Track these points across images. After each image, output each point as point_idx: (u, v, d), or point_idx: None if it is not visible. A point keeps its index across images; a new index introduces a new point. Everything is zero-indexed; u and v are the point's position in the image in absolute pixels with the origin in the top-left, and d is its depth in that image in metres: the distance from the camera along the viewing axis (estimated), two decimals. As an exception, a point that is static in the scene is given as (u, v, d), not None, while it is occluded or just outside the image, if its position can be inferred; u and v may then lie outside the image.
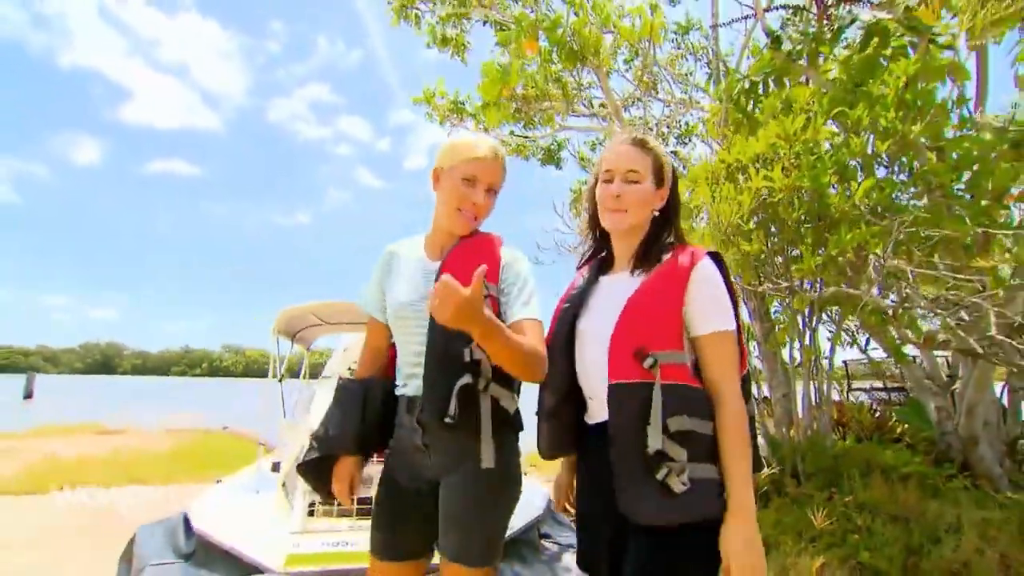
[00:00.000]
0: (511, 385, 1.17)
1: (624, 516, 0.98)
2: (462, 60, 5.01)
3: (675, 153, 6.81)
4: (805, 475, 2.89)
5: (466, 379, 1.09)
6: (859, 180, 2.65)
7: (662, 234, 1.15)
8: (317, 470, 1.27)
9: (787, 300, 2.67)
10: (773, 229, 2.53)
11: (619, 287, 1.11)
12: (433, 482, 1.19)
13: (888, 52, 3.14)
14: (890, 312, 2.17)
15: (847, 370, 7.17)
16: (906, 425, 3.63)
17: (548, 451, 1.21)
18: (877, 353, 4.52)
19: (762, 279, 2.72)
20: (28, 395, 24.32)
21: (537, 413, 1.19)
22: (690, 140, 7.17)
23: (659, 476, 0.93)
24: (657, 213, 1.16)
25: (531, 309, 1.19)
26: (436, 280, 1.09)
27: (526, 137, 4.69)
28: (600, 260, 1.24)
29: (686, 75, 6.53)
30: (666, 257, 1.09)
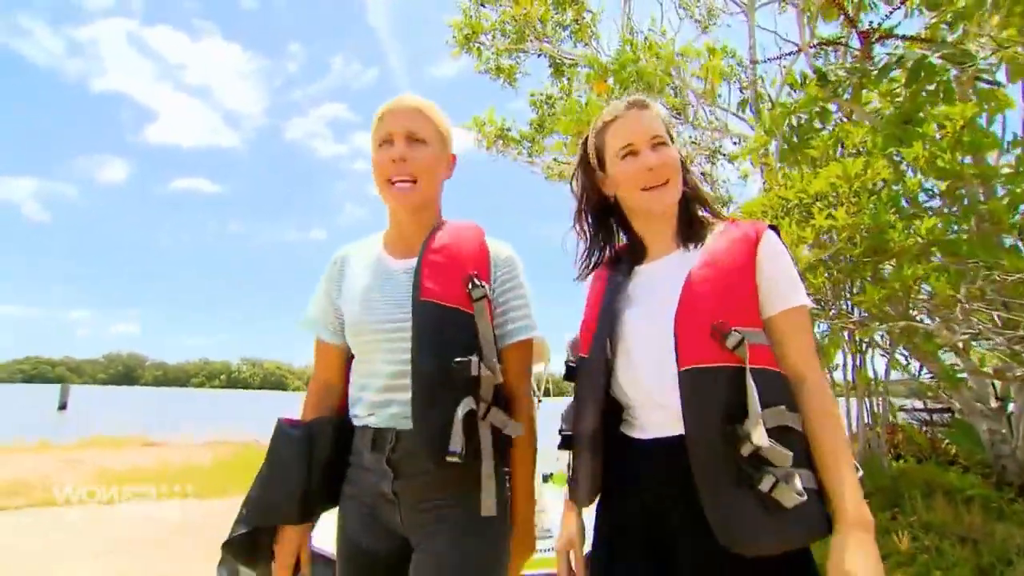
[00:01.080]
0: (509, 408, 0.98)
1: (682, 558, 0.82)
2: (513, 87, 5.29)
3: (705, 175, 6.96)
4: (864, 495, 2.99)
5: (469, 403, 0.89)
6: (910, 215, 2.80)
7: (693, 197, 1.02)
8: (251, 548, 0.96)
9: (850, 330, 2.81)
10: (832, 265, 2.69)
11: (669, 268, 0.96)
12: (404, 542, 0.95)
13: (932, 87, 3.30)
14: (961, 345, 2.31)
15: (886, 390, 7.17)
16: (956, 447, 3.70)
17: (591, 494, 0.95)
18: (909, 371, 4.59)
19: (826, 310, 2.87)
20: (63, 406, 25.06)
21: (572, 446, 0.97)
22: (717, 160, 7.33)
23: (763, 487, 0.73)
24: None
25: (531, 322, 1.04)
26: (414, 281, 0.96)
27: (567, 162, 4.91)
28: (624, 254, 1.07)
29: (717, 98, 6.70)
30: (718, 230, 0.96)
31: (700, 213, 1.02)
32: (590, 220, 1.10)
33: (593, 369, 0.95)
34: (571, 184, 1.12)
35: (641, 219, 1.04)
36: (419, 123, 1.04)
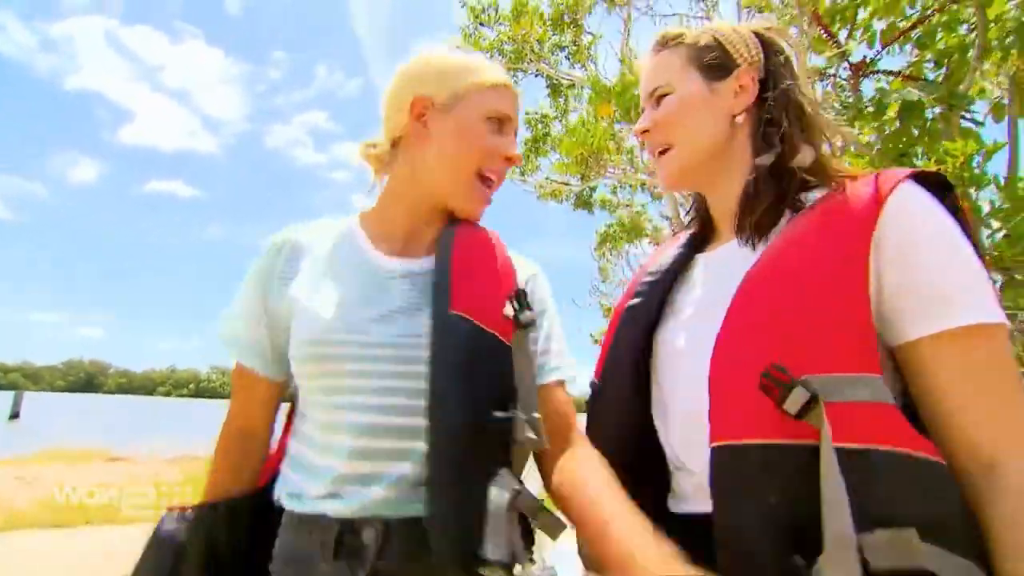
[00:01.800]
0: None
1: None
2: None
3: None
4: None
5: (508, 481, 0.61)
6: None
7: (780, 163, 0.64)
8: None
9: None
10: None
11: (726, 266, 0.64)
12: None
13: (920, 123, 3.41)
14: None
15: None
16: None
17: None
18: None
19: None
20: (15, 415, 23.78)
21: None
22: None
23: None
24: (744, 121, 0.67)
25: (568, 361, 0.78)
26: (438, 284, 0.69)
27: (565, 184, 4.92)
28: (693, 234, 0.78)
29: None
30: (815, 197, 0.60)
31: (795, 172, 0.63)
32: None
33: (604, 404, 0.70)
34: None
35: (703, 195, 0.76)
36: (517, 118, 0.81)
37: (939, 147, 2.83)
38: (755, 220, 0.63)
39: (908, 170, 0.55)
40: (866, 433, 0.47)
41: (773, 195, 0.63)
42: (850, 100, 3.93)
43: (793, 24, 4.66)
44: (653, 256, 0.79)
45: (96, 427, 20.66)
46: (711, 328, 0.58)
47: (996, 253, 2.71)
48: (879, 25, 4.39)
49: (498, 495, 0.60)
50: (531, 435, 0.64)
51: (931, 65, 4.14)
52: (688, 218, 0.82)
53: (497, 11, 4.64)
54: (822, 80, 4.90)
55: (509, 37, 4.60)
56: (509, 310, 0.70)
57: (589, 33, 4.72)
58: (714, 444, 0.53)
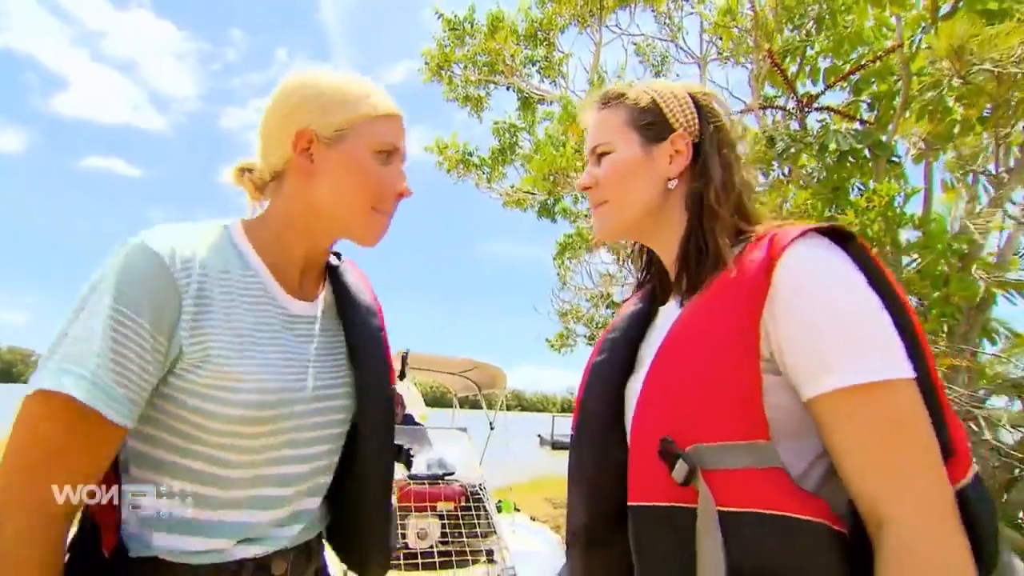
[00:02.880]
0: None
1: None
2: (478, 118, 5.37)
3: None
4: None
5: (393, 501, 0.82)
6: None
7: (708, 222, 0.67)
8: None
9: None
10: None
11: (663, 324, 0.70)
12: None
13: (854, 161, 3.78)
14: None
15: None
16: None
17: None
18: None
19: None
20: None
21: (568, 543, 0.73)
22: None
23: None
24: (677, 185, 0.70)
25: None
26: (370, 355, 0.77)
27: (531, 193, 5.05)
28: (653, 287, 0.82)
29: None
30: (735, 255, 0.62)
31: (698, 242, 0.68)
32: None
33: (581, 455, 0.72)
34: None
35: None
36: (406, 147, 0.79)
37: (868, 187, 3.17)
38: (686, 281, 0.67)
39: (804, 227, 0.58)
40: (744, 498, 0.51)
41: (697, 257, 0.67)
42: (797, 131, 4.28)
43: (749, 55, 4.98)
44: (620, 311, 0.82)
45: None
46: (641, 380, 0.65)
47: (909, 285, 3.07)
48: (824, 63, 4.81)
49: (390, 508, 0.79)
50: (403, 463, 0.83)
51: (866, 106, 4.60)
52: (643, 273, 0.86)
53: (472, 25, 4.70)
54: (773, 109, 5.28)
55: (483, 50, 4.67)
56: (397, 365, 0.87)
57: (560, 51, 4.86)
58: (630, 503, 0.61)
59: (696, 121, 0.73)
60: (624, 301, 0.86)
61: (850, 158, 3.67)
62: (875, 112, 4.40)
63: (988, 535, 0.50)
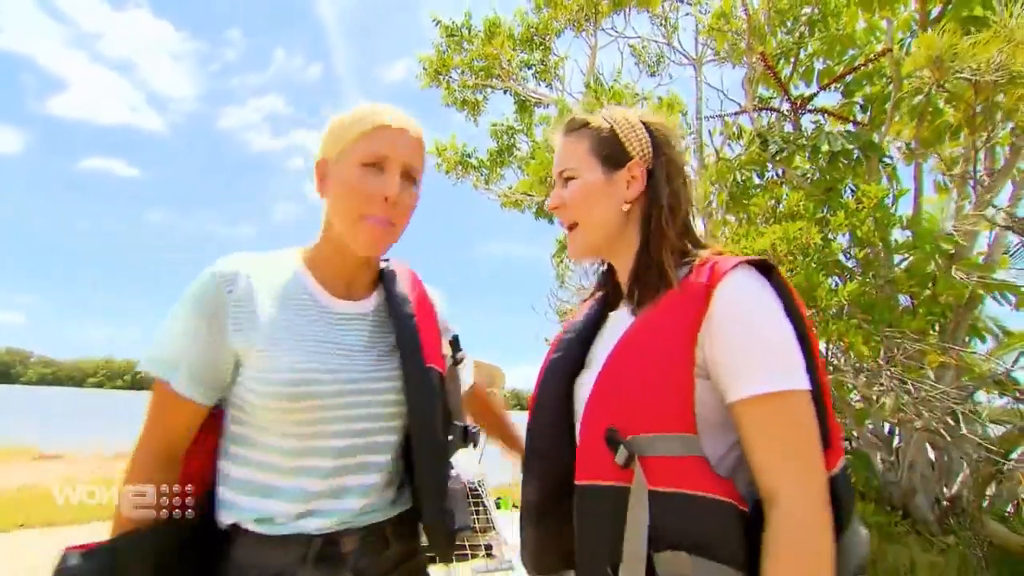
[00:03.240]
0: None
1: None
2: (475, 121, 5.43)
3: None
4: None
5: (457, 475, 0.86)
6: (834, 277, 3.24)
7: (656, 241, 0.77)
8: None
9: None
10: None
11: (614, 329, 0.80)
12: None
13: (847, 163, 3.85)
14: (875, 398, 2.71)
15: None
16: (855, 475, 4.23)
17: (537, 567, 0.84)
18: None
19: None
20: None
21: (521, 516, 0.83)
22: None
23: None
24: (630, 207, 0.80)
25: (471, 369, 0.99)
26: (408, 339, 0.83)
27: (529, 195, 5.11)
28: (605, 295, 0.91)
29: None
30: (681, 277, 0.73)
31: (648, 260, 0.77)
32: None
33: (535, 445, 0.82)
34: None
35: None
36: (418, 157, 0.84)
37: (859, 188, 3.23)
38: (637, 294, 0.78)
39: (737, 259, 0.69)
40: (671, 480, 0.63)
41: (646, 273, 0.77)
42: (790, 132, 4.35)
43: (743, 58, 5.05)
44: (574, 314, 0.92)
45: (17, 422, 18.97)
46: (592, 379, 0.75)
47: (897, 284, 3.14)
48: (818, 65, 4.86)
49: (454, 484, 0.83)
50: (461, 440, 0.86)
51: (859, 108, 4.66)
52: (597, 282, 0.95)
53: (470, 31, 4.75)
54: (767, 111, 5.34)
55: (480, 55, 4.72)
56: (446, 350, 0.91)
57: (556, 54, 4.91)
58: (576, 482, 0.71)
59: (650, 149, 0.82)
60: (580, 304, 0.96)
61: (842, 159, 3.75)
62: (868, 114, 4.48)
63: (847, 511, 0.65)
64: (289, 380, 0.74)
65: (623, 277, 0.84)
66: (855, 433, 4.62)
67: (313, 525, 0.74)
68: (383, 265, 0.94)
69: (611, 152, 0.81)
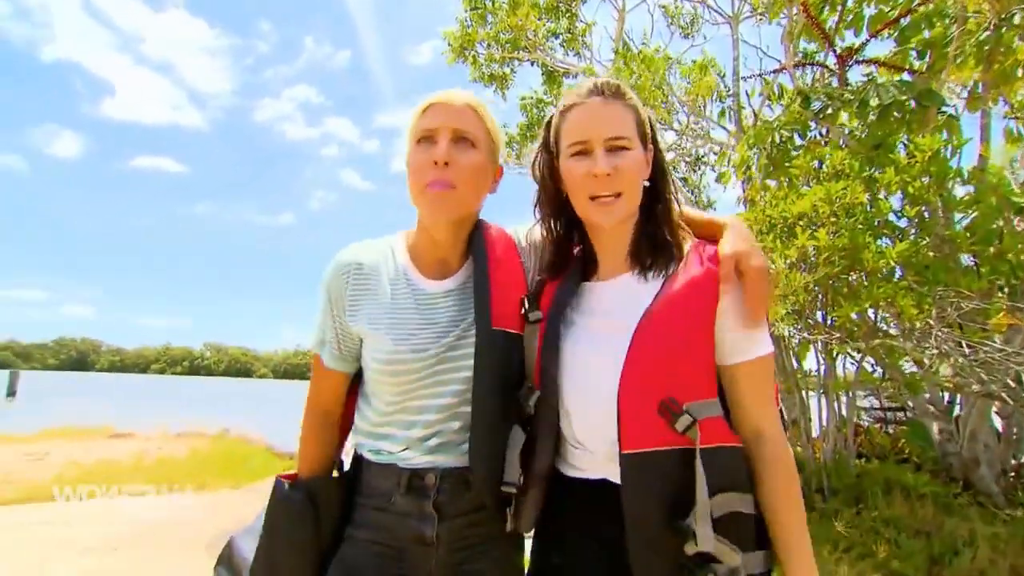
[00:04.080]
0: None
1: None
2: (503, 95, 5.36)
3: (685, 180, 7.22)
4: (830, 491, 3.27)
5: (519, 434, 0.88)
6: (882, 238, 3.05)
7: (660, 213, 0.89)
8: None
9: (826, 341, 3.04)
10: (813, 284, 2.91)
11: (616, 297, 0.87)
12: None
13: (900, 116, 3.57)
14: (927, 362, 2.58)
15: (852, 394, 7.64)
16: (911, 446, 4.05)
17: (533, 523, 0.89)
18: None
19: (804, 320, 3.10)
20: (12, 393, 23.80)
21: (526, 477, 0.86)
22: (700, 167, 7.59)
23: None
24: (647, 184, 0.88)
25: None
26: (480, 304, 0.89)
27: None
28: (576, 263, 0.95)
29: (700, 108, 6.95)
30: (687, 248, 0.86)
31: (664, 232, 0.88)
32: (551, 214, 0.96)
33: (549, 407, 0.86)
34: (532, 168, 0.96)
35: (591, 228, 0.92)
36: (469, 122, 0.91)
37: (908, 143, 3.01)
38: (649, 261, 0.87)
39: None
40: (715, 436, 0.76)
41: (652, 242, 0.89)
42: (835, 88, 4.07)
43: (783, 11, 4.73)
44: (554, 289, 0.95)
45: (94, 404, 20.81)
46: (613, 350, 0.80)
47: (957, 242, 2.92)
48: (869, 11, 4.47)
49: (513, 439, 0.88)
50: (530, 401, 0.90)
51: (915, 54, 4.27)
52: (562, 254, 0.98)
53: (493, 2, 4.66)
54: (810, 66, 5.00)
55: (505, 27, 4.63)
56: (522, 309, 0.94)
57: (583, 21, 4.76)
58: (625, 451, 0.77)
59: (651, 133, 0.92)
60: (543, 272, 0.99)
61: (895, 112, 3.47)
62: (925, 60, 4.09)
63: None
64: (385, 360, 0.90)
65: (611, 242, 0.91)
66: (910, 403, 4.41)
67: (406, 462, 0.90)
68: (478, 234, 0.99)
69: (643, 131, 0.88)
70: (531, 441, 0.87)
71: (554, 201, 0.94)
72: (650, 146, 0.89)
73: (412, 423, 0.91)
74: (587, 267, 0.95)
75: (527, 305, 0.93)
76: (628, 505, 0.75)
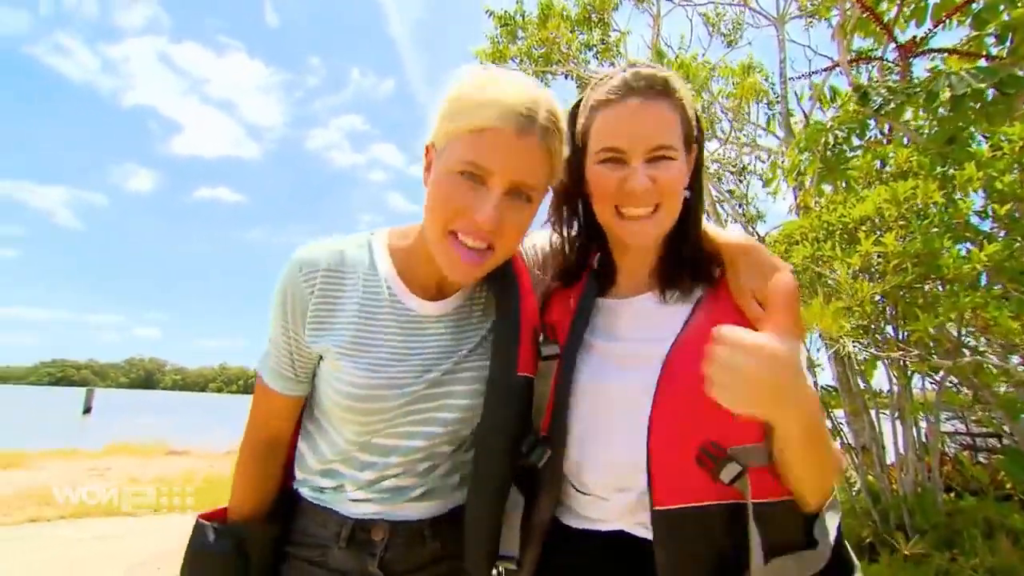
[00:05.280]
0: None
1: None
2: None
3: (731, 191, 6.87)
4: (914, 531, 2.86)
5: (517, 496, 0.75)
6: (964, 239, 2.70)
7: (697, 233, 0.77)
8: None
9: (900, 357, 2.71)
10: (879, 296, 2.61)
11: (645, 320, 0.75)
12: None
13: (977, 107, 3.20)
14: None
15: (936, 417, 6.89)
16: (1011, 479, 3.53)
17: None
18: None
19: (873, 335, 2.77)
20: (87, 410, 25.66)
21: (523, 537, 0.74)
22: (745, 179, 7.21)
23: None
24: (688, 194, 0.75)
25: None
26: (508, 348, 0.73)
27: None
28: (592, 274, 0.82)
29: (746, 114, 6.64)
30: (715, 272, 0.75)
31: (694, 250, 0.76)
32: (566, 215, 0.83)
33: (557, 455, 0.72)
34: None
35: (614, 241, 0.80)
36: (537, 169, 0.71)
37: (994, 134, 2.68)
38: (675, 284, 0.75)
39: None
40: (765, 490, 0.64)
41: (679, 260, 0.76)
42: (897, 82, 3.74)
43: (835, 6, 4.45)
44: (570, 290, 0.83)
45: (156, 422, 22.08)
46: (640, 381, 0.68)
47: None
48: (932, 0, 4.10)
49: (512, 504, 0.74)
50: (537, 458, 0.74)
51: (993, 40, 3.86)
52: (577, 266, 0.85)
53: (524, 17, 4.63)
54: (868, 63, 4.66)
55: (537, 41, 4.59)
56: (537, 346, 0.78)
57: (616, 30, 4.66)
58: (658, 508, 0.64)
59: (697, 132, 0.77)
60: (555, 282, 0.85)
61: (971, 103, 3.12)
62: (1007, 44, 3.68)
63: None
64: (355, 395, 0.73)
65: (635, 259, 0.78)
66: (1006, 428, 3.86)
67: (350, 509, 0.75)
68: None
69: (687, 132, 0.74)
70: (529, 492, 0.74)
71: (572, 203, 0.82)
72: (694, 147, 0.76)
73: (369, 464, 0.75)
74: (603, 279, 0.82)
75: (541, 336, 0.78)
76: (663, 571, 0.63)
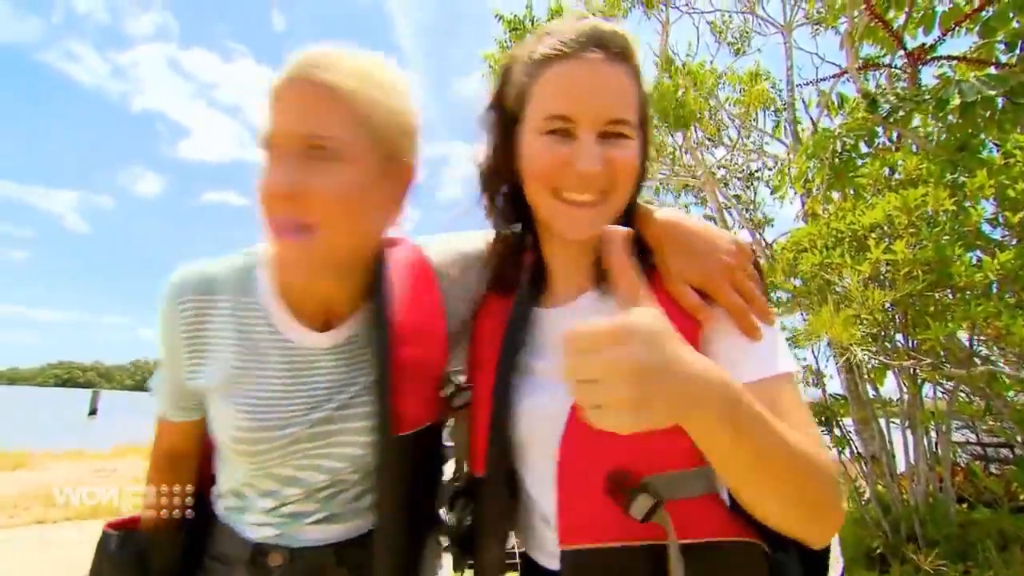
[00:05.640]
0: None
1: None
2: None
3: (738, 197, 6.85)
4: (925, 542, 2.83)
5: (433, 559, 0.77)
6: (975, 247, 2.68)
7: (632, 213, 0.64)
8: None
9: (909, 366, 2.69)
10: (889, 304, 2.59)
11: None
12: None
13: (987, 115, 3.19)
14: None
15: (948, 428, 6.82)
16: (1021, 488, 3.48)
17: None
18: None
19: (881, 343, 2.76)
20: (93, 411, 25.83)
21: (475, 563, 0.66)
22: (752, 185, 7.19)
23: None
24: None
25: None
26: (380, 404, 0.67)
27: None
28: (525, 274, 0.69)
29: (753, 121, 6.63)
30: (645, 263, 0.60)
31: (639, 239, 0.62)
32: (500, 207, 0.69)
33: (497, 493, 0.62)
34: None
35: (546, 233, 0.66)
36: (326, 118, 0.61)
37: (1005, 142, 2.66)
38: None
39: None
40: (702, 527, 0.51)
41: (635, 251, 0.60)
42: (906, 89, 3.73)
43: (843, 14, 4.46)
44: (501, 311, 0.69)
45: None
46: (554, 424, 0.58)
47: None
48: (941, 7, 4.10)
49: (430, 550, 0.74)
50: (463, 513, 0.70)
51: (1003, 47, 3.85)
52: (508, 271, 0.73)
53: (533, 23, 4.66)
54: (876, 70, 4.66)
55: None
56: (445, 389, 0.71)
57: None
58: (563, 547, 0.54)
59: (646, 111, 0.65)
60: (490, 289, 0.73)
61: (981, 110, 3.10)
62: (1017, 52, 3.66)
63: None
64: (236, 437, 0.68)
65: (573, 259, 0.65)
66: (1019, 438, 3.81)
67: (251, 532, 0.73)
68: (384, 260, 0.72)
69: (643, 110, 0.62)
70: (471, 528, 0.65)
71: (503, 184, 0.66)
72: (644, 130, 0.63)
73: (271, 492, 0.71)
74: (536, 283, 0.68)
75: (450, 386, 0.69)
76: None
